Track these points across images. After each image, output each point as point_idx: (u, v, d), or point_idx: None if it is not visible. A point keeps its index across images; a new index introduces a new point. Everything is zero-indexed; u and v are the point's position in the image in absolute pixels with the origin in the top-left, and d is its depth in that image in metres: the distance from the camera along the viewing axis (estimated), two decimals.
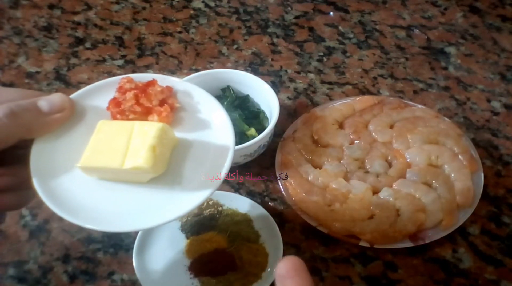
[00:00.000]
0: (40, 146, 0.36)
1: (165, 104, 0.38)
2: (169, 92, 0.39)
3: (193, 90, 0.40)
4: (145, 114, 0.38)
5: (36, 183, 0.35)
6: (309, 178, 0.61)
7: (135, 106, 0.38)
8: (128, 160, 0.34)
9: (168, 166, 0.36)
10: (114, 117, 0.38)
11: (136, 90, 0.38)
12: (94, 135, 0.36)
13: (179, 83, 0.40)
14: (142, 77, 0.39)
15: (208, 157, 0.36)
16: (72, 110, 0.37)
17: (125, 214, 0.34)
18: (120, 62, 0.79)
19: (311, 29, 0.85)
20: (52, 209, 0.34)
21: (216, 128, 0.38)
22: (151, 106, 0.38)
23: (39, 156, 0.36)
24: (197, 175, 0.36)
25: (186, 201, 0.34)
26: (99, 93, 0.39)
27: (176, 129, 0.38)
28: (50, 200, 0.34)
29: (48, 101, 0.36)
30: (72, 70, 0.78)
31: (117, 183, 0.36)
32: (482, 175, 0.61)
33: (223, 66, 0.78)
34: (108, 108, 0.38)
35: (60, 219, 0.33)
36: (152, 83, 0.39)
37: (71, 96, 0.39)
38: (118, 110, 0.38)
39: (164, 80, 0.39)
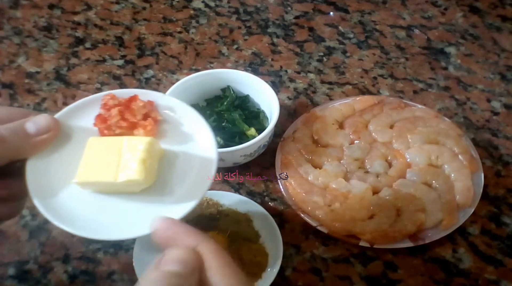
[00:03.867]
0: (34, 165, 0.38)
1: (149, 118, 0.40)
2: (151, 106, 0.41)
3: (175, 103, 0.42)
4: (130, 128, 0.40)
5: (37, 203, 0.37)
6: (309, 178, 0.61)
7: (120, 122, 0.40)
8: (121, 173, 0.36)
9: (157, 177, 0.39)
10: (101, 133, 0.40)
11: (120, 106, 0.40)
12: (86, 151, 0.38)
13: (160, 97, 0.42)
14: (123, 93, 0.41)
15: (193, 168, 0.39)
16: (58, 130, 0.39)
17: (120, 223, 0.37)
18: (120, 62, 0.79)
19: (311, 29, 0.85)
20: (55, 224, 0.36)
21: (199, 140, 0.40)
22: (135, 120, 0.40)
23: (35, 174, 0.38)
24: (185, 185, 0.38)
25: (176, 209, 0.37)
26: (84, 110, 0.41)
27: (161, 141, 0.40)
28: (53, 217, 0.36)
29: (34, 123, 0.38)
30: (72, 70, 0.78)
31: (111, 195, 0.38)
32: (482, 175, 0.61)
33: (223, 66, 0.78)
34: (95, 124, 0.40)
35: None
36: (133, 98, 0.41)
37: (56, 115, 0.41)
38: (105, 125, 0.40)
39: (145, 94, 0.42)
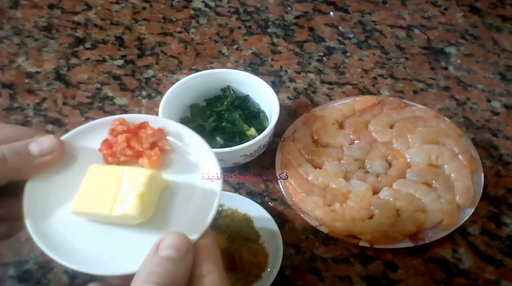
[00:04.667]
0: (34, 186, 0.37)
1: (156, 147, 0.39)
2: (160, 134, 0.40)
3: (184, 131, 0.41)
4: (135, 156, 0.39)
5: (28, 224, 0.36)
6: (309, 178, 0.61)
7: (126, 149, 0.38)
8: (117, 206, 0.35)
9: (157, 209, 0.37)
10: (105, 159, 0.39)
11: (128, 133, 0.39)
12: (85, 179, 0.37)
13: (170, 125, 0.41)
14: (135, 118, 0.40)
15: (195, 201, 0.38)
16: (62, 152, 0.38)
17: (112, 257, 0.35)
18: (120, 62, 0.79)
19: (311, 29, 0.85)
20: (43, 250, 0.35)
21: (203, 171, 0.39)
22: (141, 149, 0.39)
23: (32, 196, 0.37)
24: (184, 218, 0.37)
25: None
26: (92, 133, 0.40)
27: (165, 171, 0.39)
28: (41, 241, 0.36)
29: (38, 144, 0.37)
30: (72, 70, 0.78)
31: (106, 226, 0.37)
32: (482, 175, 0.61)
33: (223, 66, 0.78)
34: (100, 150, 0.39)
35: None
36: (143, 125, 0.40)
37: (63, 137, 0.39)
38: (109, 152, 0.39)
39: (156, 121, 0.40)
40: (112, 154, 0.39)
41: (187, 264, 0.32)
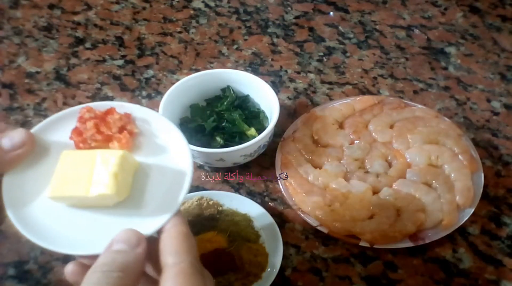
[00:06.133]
0: (11, 178, 0.38)
1: (124, 131, 0.40)
2: (128, 118, 0.41)
3: (151, 116, 0.42)
4: (106, 141, 0.40)
5: (10, 214, 0.37)
6: (309, 178, 0.61)
7: (96, 135, 0.39)
8: (93, 187, 0.36)
9: (132, 190, 0.39)
10: (77, 146, 0.40)
11: (96, 119, 0.40)
12: (58, 165, 0.38)
13: (137, 109, 0.42)
14: (101, 106, 0.41)
15: (166, 181, 0.39)
16: (33, 145, 0.39)
17: (93, 237, 0.36)
18: (120, 62, 0.79)
19: (311, 29, 0.85)
20: (27, 237, 0.36)
21: (174, 153, 0.40)
22: (111, 133, 0.40)
23: (11, 188, 0.38)
24: (158, 199, 0.38)
25: (148, 223, 0.36)
26: (62, 123, 0.41)
27: (136, 153, 0.40)
28: (24, 229, 0.37)
29: (9, 138, 0.38)
30: (72, 70, 0.78)
31: (85, 209, 0.38)
32: (482, 175, 0.61)
33: (223, 66, 0.78)
34: (71, 138, 0.40)
35: None
36: (110, 111, 0.41)
37: (33, 129, 0.40)
38: (80, 139, 0.40)
39: (122, 107, 0.41)
40: (83, 141, 0.40)
41: (138, 255, 0.33)
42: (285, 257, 0.56)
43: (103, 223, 0.37)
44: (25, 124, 0.70)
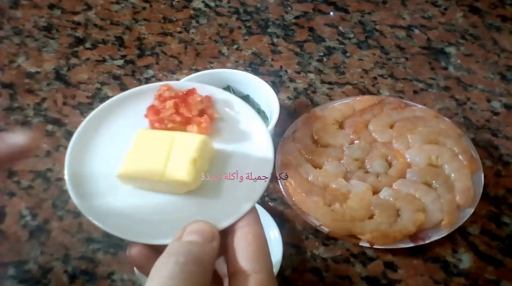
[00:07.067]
0: (77, 150, 0.36)
1: (205, 115, 0.37)
2: (209, 102, 0.38)
3: (232, 100, 0.39)
4: (184, 124, 0.37)
5: (70, 190, 0.34)
6: (309, 178, 0.61)
7: (174, 115, 0.37)
8: (169, 172, 0.34)
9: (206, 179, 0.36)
10: (152, 125, 0.37)
11: (176, 99, 0.37)
12: (133, 144, 0.35)
13: (218, 92, 0.39)
14: (181, 85, 0.39)
15: (246, 169, 0.36)
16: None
17: (159, 226, 0.33)
18: (120, 62, 0.79)
19: (311, 29, 0.85)
20: (85, 216, 0.33)
21: (255, 140, 0.37)
22: (190, 116, 0.37)
23: (75, 160, 0.36)
24: (234, 190, 0.35)
25: (223, 215, 0.33)
26: (138, 99, 0.39)
27: (215, 140, 0.37)
28: (83, 207, 0.34)
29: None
30: (72, 70, 0.78)
31: (152, 193, 0.35)
32: (482, 175, 0.61)
33: (223, 66, 0.78)
34: (146, 116, 0.37)
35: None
36: (191, 91, 0.38)
37: (106, 102, 0.38)
38: (157, 118, 0.37)
39: (203, 88, 0.39)
40: (159, 120, 0.37)
41: (212, 251, 0.30)
42: (285, 257, 0.56)
43: (172, 211, 0.34)
44: (25, 124, 0.70)
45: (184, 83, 0.40)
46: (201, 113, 0.38)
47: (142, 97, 0.38)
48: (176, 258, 0.29)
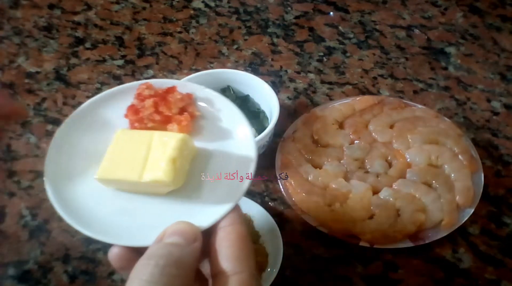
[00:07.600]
0: (56, 152, 0.35)
1: (185, 113, 0.37)
2: (189, 99, 0.38)
3: (214, 97, 0.39)
4: (164, 122, 0.36)
5: (50, 194, 0.34)
6: (309, 178, 0.61)
7: (154, 115, 0.36)
8: (147, 172, 0.33)
9: (187, 178, 0.35)
10: (132, 125, 0.37)
11: (156, 98, 0.37)
12: (112, 145, 0.35)
13: (199, 90, 0.39)
14: (161, 83, 0.38)
15: (229, 168, 0.35)
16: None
17: (140, 227, 0.33)
18: (120, 62, 0.79)
19: (311, 29, 0.85)
20: (66, 221, 0.33)
21: (237, 138, 0.36)
22: (170, 114, 0.36)
23: (54, 163, 0.35)
24: (216, 188, 0.34)
25: (205, 215, 0.33)
26: (117, 99, 0.38)
27: (196, 138, 0.37)
28: (64, 211, 0.33)
29: None
30: (72, 70, 0.78)
31: (134, 194, 0.35)
32: (482, 175, 0.61)
33: (223, 66, 0.78)
34: (126, 116, 0.37)
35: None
36: (171, 89, 0.37)
37: (88, 101, 0.37)
38: (136, 118, 0.36)
39: (184, 86, 0.38)
40: (139, 120, 0.36)
41: (194, 252, 0.30)
42: (285, 257, 0.56)
43: (153, 213, 0.34)
44: (25, 124, 0.70)
45: (164, 80, 0.39)
46: (182, 111, 0.37)
47: (123, 96, 0.38)
48: (156, 260, 0.28)
